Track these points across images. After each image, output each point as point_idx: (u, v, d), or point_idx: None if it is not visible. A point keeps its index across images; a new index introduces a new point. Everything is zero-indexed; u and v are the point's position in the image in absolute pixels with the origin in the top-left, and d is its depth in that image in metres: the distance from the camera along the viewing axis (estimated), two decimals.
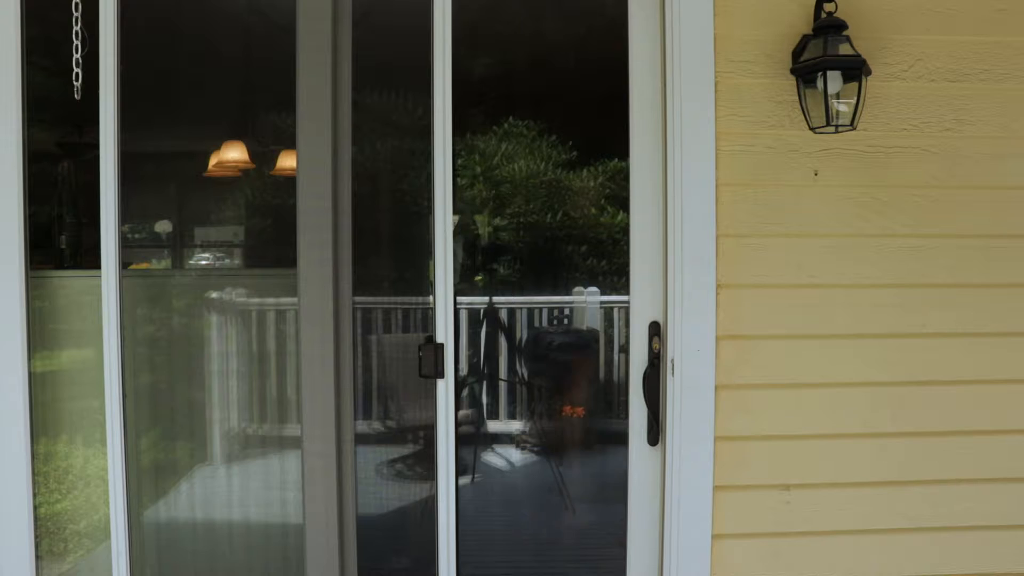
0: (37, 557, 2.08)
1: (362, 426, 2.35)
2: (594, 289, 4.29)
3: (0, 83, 1.99)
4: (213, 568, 2.41)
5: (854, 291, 2.05)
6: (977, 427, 2.08)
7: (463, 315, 4.08)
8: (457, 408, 2.10)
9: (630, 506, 2.13)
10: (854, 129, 1.94)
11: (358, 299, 2.12)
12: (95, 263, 2.06)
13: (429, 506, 2.19)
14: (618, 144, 2.12)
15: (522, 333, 4.25)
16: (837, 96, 1.92)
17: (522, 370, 4.22)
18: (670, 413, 2.05)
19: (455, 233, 2.10)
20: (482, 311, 4.20)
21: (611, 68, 2.12)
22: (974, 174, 2.06)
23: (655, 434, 2.08)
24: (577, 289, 4.37)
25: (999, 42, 2.05)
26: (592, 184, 4.56)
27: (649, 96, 2.08)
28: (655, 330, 2.08)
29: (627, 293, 2.12)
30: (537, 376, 4.16)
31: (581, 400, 3.86)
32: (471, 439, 3.87)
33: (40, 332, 2.16)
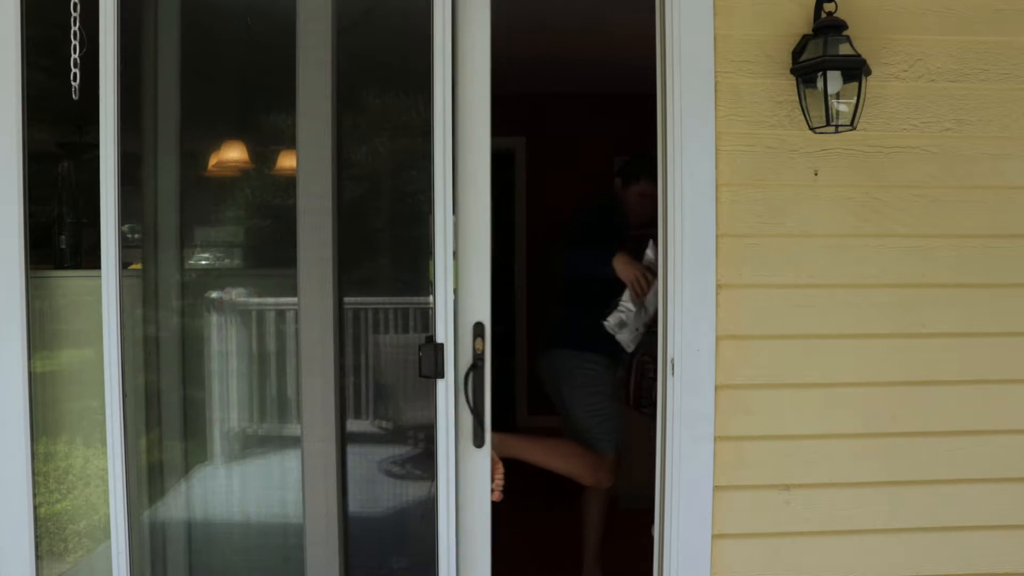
0: (37, 557, 2.08)
1: (363, 426, 2.34)
2: None
3: (0, 83, 1.99)
4: (213, 568, 2.41)
5: (854, 291, 2.05)
6: (977, 427, 2.08)
7: None
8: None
9: (461, 510, 2.09)
10: (854, 129, 1.94)
11: (358, 299, 2.11)
12: (95, 263, 2.05)
13: (429, 506, 2.18)
14: None
15: None
16: (837, 96, 1.92)
17: None
18: (670, 412, 2.05)
19: None
20: None
21: None
22: (974, 174, 2.06)
23: (480, 436, 2.06)
24: None
25: (999, 42, 2.05)
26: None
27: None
28: (479, 331, 2.05)
29: None
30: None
31: None
32: None
33: (40, 332, 2.16)
